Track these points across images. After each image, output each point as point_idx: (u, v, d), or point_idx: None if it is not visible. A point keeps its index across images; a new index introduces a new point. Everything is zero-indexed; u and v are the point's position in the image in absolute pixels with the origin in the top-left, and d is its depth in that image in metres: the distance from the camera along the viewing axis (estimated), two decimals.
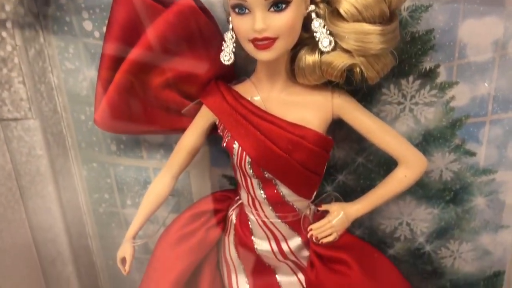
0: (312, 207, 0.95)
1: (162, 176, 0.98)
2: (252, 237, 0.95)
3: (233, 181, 1.11)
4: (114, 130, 1.00)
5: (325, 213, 0.95)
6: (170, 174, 0.97)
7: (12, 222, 1.13)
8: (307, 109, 0.85)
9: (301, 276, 0.98)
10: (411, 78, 0.93)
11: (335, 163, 1.03)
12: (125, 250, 1.04)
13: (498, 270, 1.09)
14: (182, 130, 0.95)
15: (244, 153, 0.85)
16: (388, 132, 0.88)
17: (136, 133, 1.03)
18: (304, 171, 0.85)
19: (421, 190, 1.03)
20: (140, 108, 0.94)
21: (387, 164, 1.01)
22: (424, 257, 1.10)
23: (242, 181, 0.90)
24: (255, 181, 0.89)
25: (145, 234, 1.26)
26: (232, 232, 0.97)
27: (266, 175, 0.87)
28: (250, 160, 0.85)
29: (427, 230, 1.07)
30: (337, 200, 0.96)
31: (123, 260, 1.07)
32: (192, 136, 0.93)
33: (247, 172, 0.87)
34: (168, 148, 1.12)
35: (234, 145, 0.86)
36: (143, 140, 1.12)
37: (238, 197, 0.99)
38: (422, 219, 1.06)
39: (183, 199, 1.17)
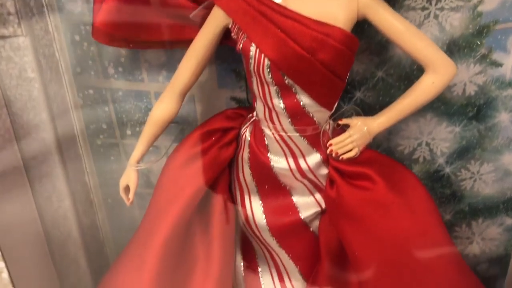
0: (331, 122, 0.89)
1: (165, 95, 0.90)
2: (268, 154, 0.89)
3: (242, 104, 1.05)
4: (114, 40, 0.91)
5: (345, 128, 0.89)
6: (175, 92, 0.89)
7: (2, 150, 1.04)
8: (331, 7, 0.78)
9: (318, 196, 0.93)
10: None
11: (353, 79, 0.97)
12: (128, 176, 0.98)
13: None
14: (188, 42, 0.87)
15: (263, 55, 0.78)
16: (417, 34, 0.81)
17: (136, 44, 0.94)
18: (328, 74, 0.78)
19: (443, 106, 0.98)
20: (143, 14, 0.86)
21: (408, 78, 0.96)
22: (443, 180, 1.05)
23: (258, 90, 0.83)
24: (273, 89, 0.82)
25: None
26: (246, 150, 0.91)
27: (286, 81, 0.80)
28: (269, 63, 0.78)
29: (448, 151, 1.02)
30: (357, 115, 0.90)
31: (126, 189, 1.01)
32: (202, 44, 0.85)
33: (265, 78, 0.80)
34: (171, 68, 1.04)
35: (251, 47, 0.79)
36: (144, 61, 1.04)
37: (251, 115, 0.93)
38: (442, 139, 1.01)
39: (187, 127, 1.10)
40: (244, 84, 1.02)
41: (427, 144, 1.02)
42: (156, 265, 0.92)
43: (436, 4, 0.89)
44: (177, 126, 1.09)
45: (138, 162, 0.96)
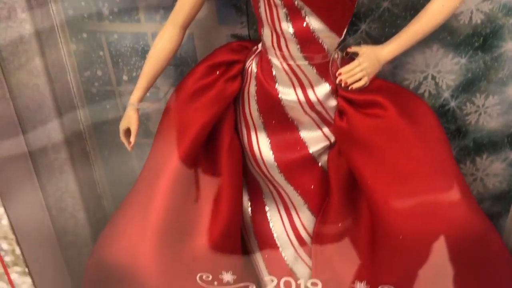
0: (339, 52, 0.87)
1: (166, 28, 0.88)
2: (276, 86, 0.86)
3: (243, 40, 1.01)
4: None
5: (353, 57, 0.87)
6: (176, 25, 0.87)
7: None
8: None
9: (326, 130, 0.91)
10: None
11: (358, 11, 0.94)
12: (129, 118, 0.95)
13: None
14: None
15: None
16: None
17: None
18: None
19: (449, 36, 0.96)
20: None
21: (414, 8, 0.93)
22: (448, 115, 1.04)
23: (266, 14, 0.80)
24: (282, 12, 0.79)
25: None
26: (253, 83, 0.88)
27: (296, 2, 0.77)
28: None
29: (453, 83, 1.01)
30: (365, 43, 0.88)
31: (127, 133, 0.98)
32: None
33: (273, 0, 0.77)
34: (169, 6, 0.99)
35: None
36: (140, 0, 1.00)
37: (256, 47, 0.90)
38: (448, 71, 1.00)
39: (186, 68, 1.07)
40: (246, 20, 0.99)
41: (433, 77, 1.01)
42: (164, 204, 0.90)
43: None
44: (176, 68, 1.06)
45: (139, 102, 0.93)
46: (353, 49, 0.86)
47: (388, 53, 0.86)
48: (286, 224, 0.97)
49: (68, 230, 1.22)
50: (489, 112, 1.04)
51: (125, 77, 1.09)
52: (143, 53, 1.05)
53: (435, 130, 0.87)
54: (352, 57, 0.88)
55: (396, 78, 1.01)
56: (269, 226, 0.99)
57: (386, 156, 0.84)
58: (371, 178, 0.85)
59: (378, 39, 0.96)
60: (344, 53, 0.87)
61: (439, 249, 0.87)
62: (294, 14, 0.79)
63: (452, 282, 0.91)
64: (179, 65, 1.04)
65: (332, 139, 0.91)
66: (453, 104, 1.04)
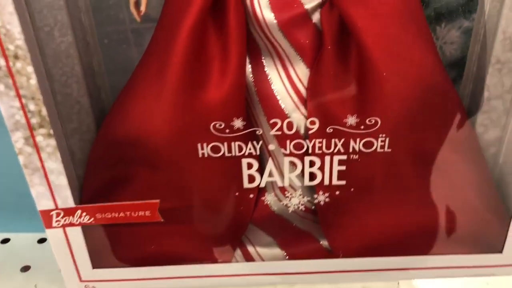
0: None
1: None
2: None
3: None
4: None
5: None
6: None
7: None
8: None
9: None
10: None
11: None
12: None
13: None
14: None
15: None
16: None
17: None
18: None
19: None
20: None
21: None
22: None
23: None
24: None
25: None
26: None
27: None
28: None
29: None
30: None
31: (136, 4, 1.08)
32: None
33: None
34: None
35: None
36: None
37: None
38: None
39: None
40: None
41: None
42: (181, 60, 1.02)
43: None
44: None
45: None
46: None
47: None
48: (283, 79, 1.12)
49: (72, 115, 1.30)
50: None
51: None
52: None
53: None
54: None
55: None
56: (269, 82, 1.13)
57: (373, 2, 1.00)
58: (361, 22, 1.00)
59: None
60: None
61: (412, 87, 1.05)
62: None
63: (419, 121, 1.09)
64: None
65: None
66: None
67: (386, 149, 1.09)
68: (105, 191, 1.24)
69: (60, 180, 1.12)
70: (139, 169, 1.20)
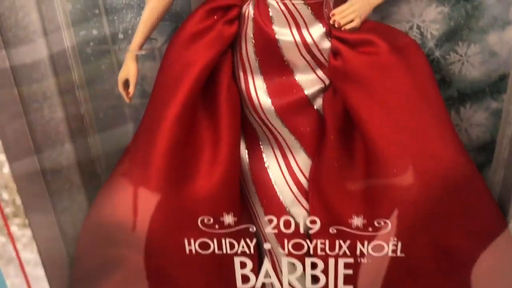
0: None
1: None
2: (273, 26, 0.90)
3: None
4: None
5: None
6: None
7: None
8: None
9: (320, 73, 0.95)
10: None
11: None
12: (128, 67, 0.97)
13: (503, 73, 1.11)
14: None
15: None
16: None
17: None
18: None
19: None
20: None
21: None
22: (433, 65, 1.09)
23: None
24: None
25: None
26: (250, 25, 0.91)
27: None
28: None
29: (437, 33, 1.06)
30: None
31: (125, 84, 1.00)
32: None
33: None
34: None
35: None
36: None
37: None
38: (432, 20, 1.05)
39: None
40: None
41: (418, 27, 1.06)
42: (167, 147, 0.92)
43: None
44: (171, 24, 1.09)
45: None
46: None
47: None
48: (283, 168, 1.01)
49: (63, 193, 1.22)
50: (471, 61, 1.10)
51: (120, 35, 1.11)
52: (139, 9, 1.08)
53: (424, 67, 0.92)
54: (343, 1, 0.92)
55: None
56: (267, 171, 1.01)
57: (379, 91, 0.88)
58: (365, 113, 0.89)
59: None
60: None
61: (428, 186, 0.91)
62: None
63: (439, 219, 0.95)
64: (174, 21, 1.07)
65: (327, 81, 0.95)
66: (437, 53, 1.09)
67: (398, 253, 0.95)
68: (96, 273, 1.14)
69: (37, 271, 1.03)
70: (129, 253, 1.10)
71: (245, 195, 1.05)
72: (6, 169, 0.93)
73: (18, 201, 0.96)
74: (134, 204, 1.00)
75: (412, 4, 1.04)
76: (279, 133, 0.98)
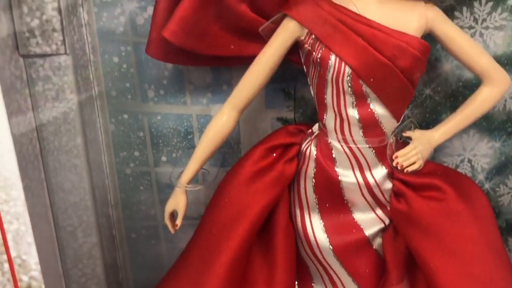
0: (393, 137, 0.90)
1: (225, 109, 0.88)
2: (336, 168, 0.87)
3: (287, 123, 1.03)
4: (169, 54, 0.88)
5: (406, 141, 0.90)
6: (235, 107, 0.87)
7: (30, 177, 0.96)
8: (405, 18, 0.81)
9: (379, 212, 0.91)
10: (483, 0, 0.93)
11: None
12: (177, 199, 0.92)
13: None
14: (251, 58, 0.87)
15: (343, 64, 0.79)
16: (476, 47, 0.86)
17: (191, 60, 0.91)
18: (405, 82, 0.81)
19: (484, 122, 1.02)
20: (213, 27, 0.85)
21: (454, 96, 0.99)
22: None
23: (333, 100, 0.83)
24: (349, 99, 0.82)
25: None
26: (311, 165, 0.89)
27: (364, 90, 0.80)
28: (349, 71, 0.79)
29: (487, 166, 1.06)
30: (416, 128, 0.92)
31: (171, 216, 0.95)
32: (270, 57, 0.84)
33: (343, 87, 0.81)
34: (216, 90, 1.02)
35: (330, 56, 0.79)
36: (188, 83, 1.01)
37: (310, 130, 0.92)
38: (483, 154, 1.05)
39: (229, 150, 1.07)
40: (293, 104, 1.02)
41: (469, 160, 1.05)
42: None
43: (481, 23, 0.94)
44: (220, 150, 1.06)
45: (188, 183, 0.92)
46: (407, 133, 0.90)
47: (440, 136, 0.90)
48: None
49: None
50: None
51: (164, 158, 1.08)
52: (186, 134, 1.05)
53: (486, 210, 0.90)
54: (405, 141, 0.91)
55: (435, 161, 1.05)
56: None
57: (448, 239, 0.85)
58: (434, 261, 0.85)
59: (420, 124, 1.00)
60: (399, 137, 0.90)
61: None
62: (360, 101, 0.82)
63: None
64: (223, 147, 1.04)
65: (387, 221, 0.92)
66: (487, 186, 1.08)
67: None
68: None
69: None
70: None
71: None
72: None
73: None
74: None
75: (464, 139, 1.03)
76: (335, 273, 0.93)
